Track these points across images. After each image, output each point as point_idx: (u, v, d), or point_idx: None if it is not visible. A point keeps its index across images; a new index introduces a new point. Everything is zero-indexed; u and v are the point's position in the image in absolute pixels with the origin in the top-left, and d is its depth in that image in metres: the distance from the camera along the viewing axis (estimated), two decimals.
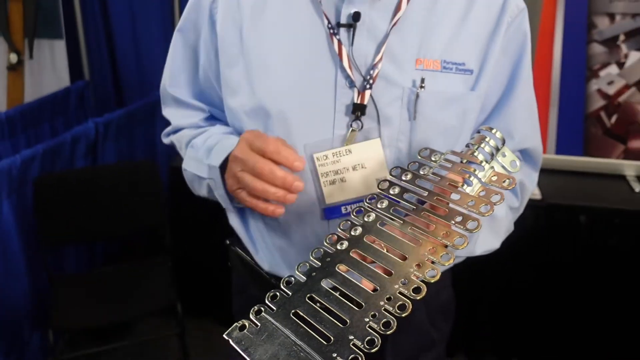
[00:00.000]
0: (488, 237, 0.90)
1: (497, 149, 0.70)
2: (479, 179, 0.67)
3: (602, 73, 2.01)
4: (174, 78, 0.98)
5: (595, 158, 2.11)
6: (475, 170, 0.67)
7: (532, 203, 1.86)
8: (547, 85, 2.04)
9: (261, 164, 0.74)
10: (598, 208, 1.91)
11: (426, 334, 1.02)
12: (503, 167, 0.70)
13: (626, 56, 1.97)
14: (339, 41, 0.82)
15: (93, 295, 1.94)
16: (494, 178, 0.67)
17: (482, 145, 0.70)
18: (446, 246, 0.62)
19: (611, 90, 2.02)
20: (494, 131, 0.71)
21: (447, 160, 0.70)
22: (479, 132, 0.72)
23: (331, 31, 0.82)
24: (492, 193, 0.64)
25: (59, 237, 1.97)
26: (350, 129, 0.83)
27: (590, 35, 1.97)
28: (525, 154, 0.94)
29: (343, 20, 0.82)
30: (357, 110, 0.82)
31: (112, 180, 2.05)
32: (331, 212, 0.85)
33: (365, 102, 0.82)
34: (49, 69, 2.74)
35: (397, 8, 0.82)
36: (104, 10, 2.66)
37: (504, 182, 0.66)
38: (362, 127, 0.83)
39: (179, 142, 0.99)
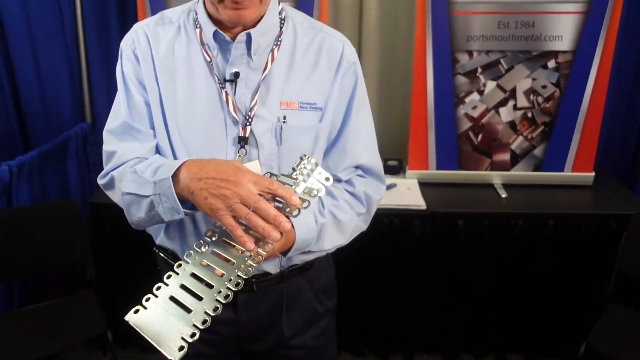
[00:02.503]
0: (335, 235, 1.18)
1: (312, 170, 1.00)
2: (296, 193, 0.97)
3: (467, 99, 2.36)
4: (134, 112, 1.14)
5: (467, 171, 2.45)
6: (294, 187, 0.98)
7: (418, 212, 2.19)
8: (424, 112, 2.36)
9: (262, 204, 0.90)
10: (472, 213, 2.21)
11: (313, 308, 1.29)
12: (319, 181, 1.00)
13: (484, 85, 2.33)
14: (226, 92, 1.11)
15: (22, 332, 1.97)
16: (306, 190, 0.98)
17: (301, 168, 1.00)
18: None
19: (475, 114, 2.38)
20: (309, 157, 1.01)
21: (279, 180, 0.99)
22: (301, 158, 1.01)
23: (220, 85, 1.11)
24: (304, 201, 0.96)
25: None
26: (238, 155, 1.11)
27: (454, 69, 2.32)
28: (364, 170, 1.24)
29: (227, 77, 1.11)
30: (242, 141, 1.11)
31: (29, 221, 2.10)
32: None
33: (247, 135, 1.11)
34: None
35: (265, 67, 1.13)
36: (5, 51, 2.66)
37: (312, 193, 0.98)
38: (246, 152, 1.11)
39: (120, 174, 1.11)
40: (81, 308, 2.10)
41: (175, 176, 0.98)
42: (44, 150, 2.40)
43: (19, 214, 2.13)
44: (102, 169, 1.16)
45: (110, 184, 1.14)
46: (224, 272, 0.92)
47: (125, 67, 1.15)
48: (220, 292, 0.90)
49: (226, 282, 0.90)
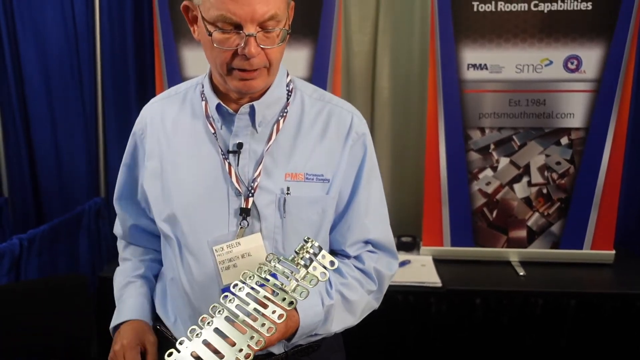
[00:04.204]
0: (344, 316, 1.13)
1: (315, 254, 0.96)
2: (296, 279, 0.95)
3: (481, 175, 2.35)
4: (126, 188, 1.26)
5: (483, 248, 2.40)
6: (293, 272, 0.95)
7: (434, 290, 2.13)
8: (438, 188, 2.34)
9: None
10: (490, 291, 2.14)
11: None
12: (323, 266, 0.96)
13: (497, 161, 2.33)
14: (229, 163, 1.10)
15: None
16: (307, 277, 0.95)
17: (304, 252, 0.96)
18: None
19: (489, 190, 2.36)
20: (312, 241, 0.97)
21: (280, 265, 0.97)
22: (305, 241, 0.98)
23: (223, 156, 1.11)
24: (302, 289, 0.94)
25: None
26: (240, 227, 1.09)
27: (467, 145, 2.33)
28: (375, 245, 1.19)
29: (231, 148, 1.11)
30: (244, 213, 1.09)
31: (36, 295, 2.06)
32: (226, 291, 1.04)
33: (249, 207, 1.09)
34: None
35: (270, 137, 1.12)
36: (26, 127, 2.73)
37: (311, 281, 0.94)
38: (248, 224, 1.09)
39: (117, 271, 1.31)
40: None
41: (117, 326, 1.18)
42: (55, 224, 2.40)
43: (25, 287, 2.10)
44: (112, 242, 1.28)
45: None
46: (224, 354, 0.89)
47: (128, 147, 1.22)
48: None
49: None
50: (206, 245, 1.10)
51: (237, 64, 1.03)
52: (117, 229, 1.32)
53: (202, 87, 1.16)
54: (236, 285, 0.96)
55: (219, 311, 0.94)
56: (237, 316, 0.93)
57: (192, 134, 1.14)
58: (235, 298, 0.95)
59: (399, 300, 2.13)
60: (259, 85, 1.07)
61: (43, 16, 2.62)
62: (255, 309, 0.93)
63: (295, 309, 1.03)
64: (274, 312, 0.92)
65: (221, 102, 1.11)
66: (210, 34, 1.01)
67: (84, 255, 2.57)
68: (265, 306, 0.93)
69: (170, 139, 1.15)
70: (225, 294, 0.96)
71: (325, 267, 0.95)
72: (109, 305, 2.20)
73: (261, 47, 1.01)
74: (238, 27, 0.99)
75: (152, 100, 1.24)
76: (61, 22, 2.64)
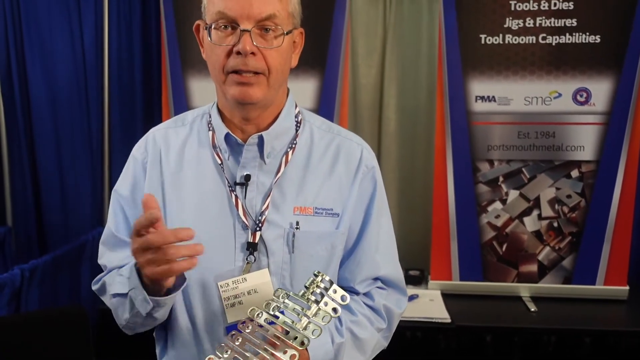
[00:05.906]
0: (354, 355, 1.08)
1: (326, 289, 0.91)
2: (307, 316, 0.89)
3: (490, 208, 2.32)
4: (120, 223, 1.14)
5: (493, 282, 2.34)
6: (303, 309, 0.90)
7: (443, 326, 2.07)
8: (446, 220, 2.31)
9: (156, 237, 0.88)
10: (501, 327, 2.09)
11: None
12: (334, 301, 0.91)
13: (507, 194, 2.30)
14: (236, 196, 1.07)
15: None
16: (319, 313, 0.90)
17: (314, 287, 0.91)
18: None
19: (499, 223, 2.32)
20: (323, 275, 0.92)
21: (289, 300, 0.92)
22: (315, 275, 0.93)
23: (230, 188, 1.07)
24: (314, 327, 0.88)
25: None
26: (246, 262, 1.05)
27: (475, 178, 2.30)
28: (384, 282, 1.15)
29: (238, 180, 1.07)
30: (251, 248, 1.05)
31: (35, 327, 2.02)
32: (231, 329, 0.99)
33: (257, 241, 1.05)
34: None
35: (278, 170, 1.08)
36: (31, 155, 2.72)
37: (323, 318, 0.89)
38: (255, 260, 1.05)
39: (110, 277, 1.09)
40: None
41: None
42: (58, 255, 2.37)
43: (25, 319, 2.05)
44: None
45: (102, 290, 1.13)
46: None
47: (125, 172, 1.16)
48: None
49: None
50: (211, 280, 1.06)
51: (232, 64, 1.00)
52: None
53: (209, 116, 1.14)
54: (244, 322, 0.91)
55: (226, 351, 0.88)
56: (245, 357, 0.87)
57: (197, 164, 1.11)
58: (243, 337, 0.90)
59: (407, 337, 2.07)
60: (256, 95, 1.02)
61: (52, 46, 2.64)
62: (265, 349, 0.88)
63: None
64: (285, 352, 0.86)
65: (230, 132, 1.08)
66: (209, 31, 1.01)
67: (86, 286, 2.53)
68: (275, 345, 0.88)
69: (175, 169, 1.12)
70: (233, 332, 0.91)
71: (337, 303, 0.91)
72: (109, 338, 2.17)
73: (257, 47, 0.99)
74: (235, 25, 0.99)
75: (156, 127, 1.20)
76: (70, 52, 2.65)
